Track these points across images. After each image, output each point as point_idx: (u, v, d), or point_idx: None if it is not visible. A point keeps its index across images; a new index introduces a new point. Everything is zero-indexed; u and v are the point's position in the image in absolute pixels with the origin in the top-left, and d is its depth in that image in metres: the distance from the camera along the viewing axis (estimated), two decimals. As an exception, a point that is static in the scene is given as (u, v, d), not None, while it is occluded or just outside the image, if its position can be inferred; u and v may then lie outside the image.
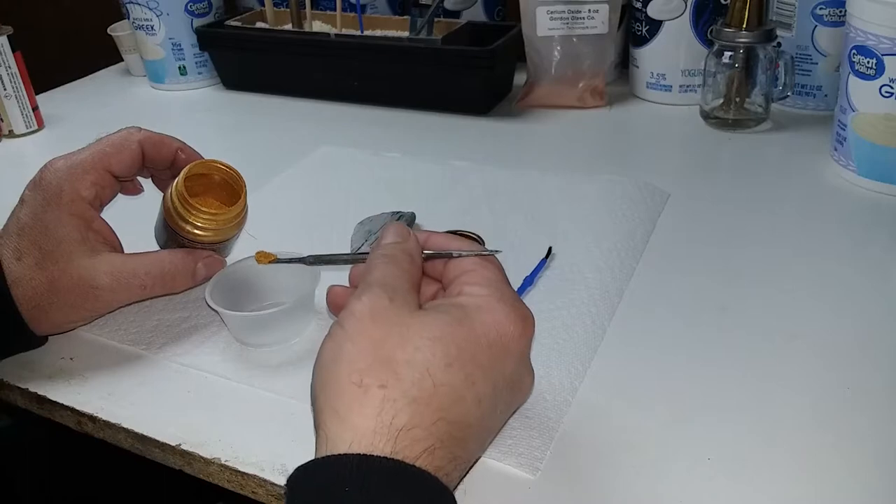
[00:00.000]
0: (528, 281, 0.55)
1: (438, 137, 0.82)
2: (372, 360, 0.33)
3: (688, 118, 0.82)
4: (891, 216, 0.62)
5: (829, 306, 0.52)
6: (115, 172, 0.51)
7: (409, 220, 0.62)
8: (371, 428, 0.32)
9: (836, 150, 0.67)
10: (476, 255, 0.41)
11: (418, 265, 0.40)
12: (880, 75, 0.60)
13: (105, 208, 0.53)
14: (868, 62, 0.60)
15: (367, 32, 0.91)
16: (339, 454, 0.31)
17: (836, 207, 0.64)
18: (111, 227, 0.51)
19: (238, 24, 0.96)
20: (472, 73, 0.84)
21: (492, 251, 0.41)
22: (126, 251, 0.52)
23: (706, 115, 0.80)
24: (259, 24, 0.97)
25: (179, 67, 1.00)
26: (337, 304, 0.43)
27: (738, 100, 0.78)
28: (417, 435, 0.32)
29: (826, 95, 0.78)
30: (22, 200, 0.49)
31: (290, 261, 0.48)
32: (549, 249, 0.58)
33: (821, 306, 0.52)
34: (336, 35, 0.89)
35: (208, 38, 0.97)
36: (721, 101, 0.79)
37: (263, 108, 0.94)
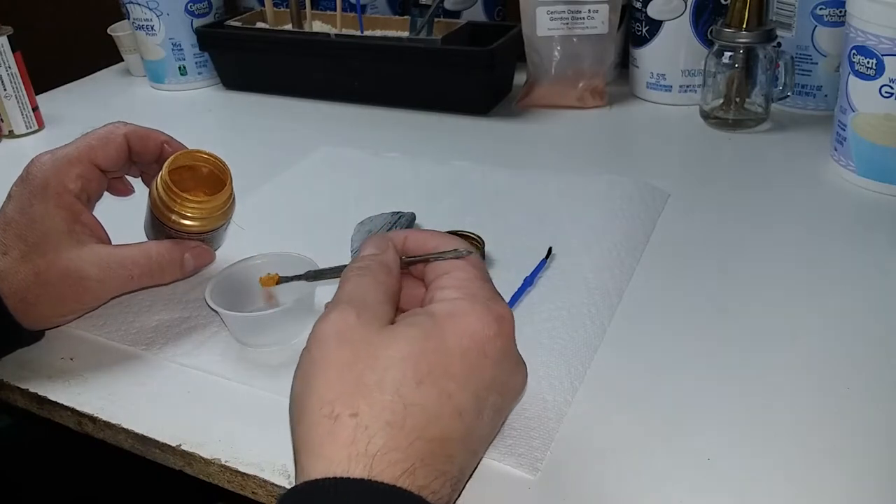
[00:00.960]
0: (528, 281, 0.55)
1: (438, 137, 0.82)
2: (341, 389, 0.32)
3: (688, 118, 0.82)
4: (890, 216, 0.62)
5: (829, 306, 0.52)
6: (101, 165, 0.51)
7: (410, 220, 0.62)
8: (345, 456, 0.31)
9: (836, 150, 0.67)
10: (451, 258, 0.39)
11: (395, 276, 0.39)
12: (880, 75, 0.60)
13: (96, 207, 0.53)
14: (868, 62, 0.60)
15: (367, 32, 0.91)
16: (313, 480, 0.30)
17: (835, 207, 0.64)
18: (99, 222, 0.51)
19: (238, 24, 0.96)
20: (472, 73, 0.84)
21: (467, 252, 0.40)
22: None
23: (706, 115, 0.80)
24: (259, 25, 0.97)
25: (179, 67, 1.00)
26: None
27: (738, 100, 0.78)
28: (394, 457, 0.31)
29: (826, 95, 0.78)
30: (9, 196, 0.49)
31: (292, 279, 0.48)
32: (550, 250, 0.58)
33: (821, 306, 0.52)
34: (336, 35, 0.89)
35: (208, 39, 0.97)
36: (721, 101, 0.79)
37: (263, 108, 0.94)
